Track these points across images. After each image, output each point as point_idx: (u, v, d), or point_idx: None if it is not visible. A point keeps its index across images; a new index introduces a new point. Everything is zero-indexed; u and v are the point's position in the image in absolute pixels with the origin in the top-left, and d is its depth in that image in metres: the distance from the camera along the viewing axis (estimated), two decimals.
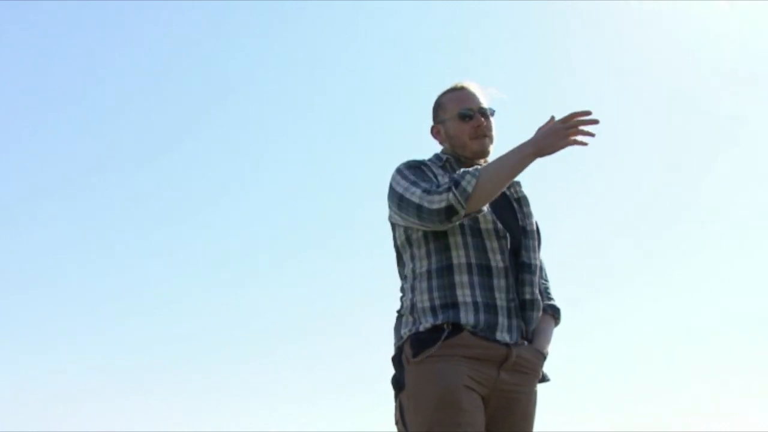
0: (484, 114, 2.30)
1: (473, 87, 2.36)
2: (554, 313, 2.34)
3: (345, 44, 9.41)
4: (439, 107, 2.38)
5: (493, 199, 2.10)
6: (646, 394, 7.95)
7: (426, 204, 2.06)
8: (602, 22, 8.88)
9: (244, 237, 9.45)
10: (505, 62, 8.65)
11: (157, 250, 9.29)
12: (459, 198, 2.04)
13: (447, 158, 2.32)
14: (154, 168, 9.43)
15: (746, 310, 8.25)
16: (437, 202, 2.05)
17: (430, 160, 2.31)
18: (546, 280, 2.40)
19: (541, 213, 2.37)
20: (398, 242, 2.27)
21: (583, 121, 2.03)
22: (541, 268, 2.36)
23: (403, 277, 2.28)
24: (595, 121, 2.03)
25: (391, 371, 2.18)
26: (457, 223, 2.11)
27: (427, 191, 2.08)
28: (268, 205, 9.60)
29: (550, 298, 2.37)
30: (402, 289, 2.26)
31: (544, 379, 2.27)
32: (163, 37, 9.16)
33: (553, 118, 2.07)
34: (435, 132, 2.39)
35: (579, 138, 2.04)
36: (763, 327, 8.04)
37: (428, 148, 2.41)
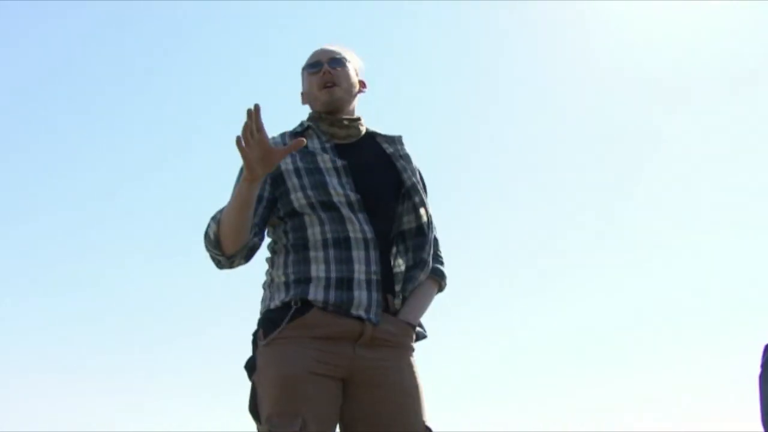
0: (335, 64, 2.20)
1: (329, 45, 2.26)
2: (437, 276, 2.19)
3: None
4: (301, 73, 2.29)
5: (243, 231, 1.98)
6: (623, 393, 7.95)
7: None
8: (529, 32, 8.89)
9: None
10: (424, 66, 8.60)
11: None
12: (211, 248, 2.03)
13: (308, 126, 2.20)
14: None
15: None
16: (209, 255, 2.08)
17: (289, 134, 2.20)
18: (436, 239, 2.25)
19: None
20: None
21: (245, 125, 1.87)
22: (427, 227, 2.16)
23: (267, 250, 2.19)
24: (248, 112, 1.84)
25: None
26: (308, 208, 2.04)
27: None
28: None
29: (438, 261, 2.22)
30: (266, 262, 2.18)
31: (420, 337, 2.13)
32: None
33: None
34: (302, 98, 2.29)
35: (243, 136, 1.86)
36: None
37: None
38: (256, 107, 1.81)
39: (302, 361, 1.92)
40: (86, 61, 9.18)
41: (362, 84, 2.29)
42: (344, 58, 2.22)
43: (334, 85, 2.17)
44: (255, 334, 2.04)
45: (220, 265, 2.06)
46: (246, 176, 1.89)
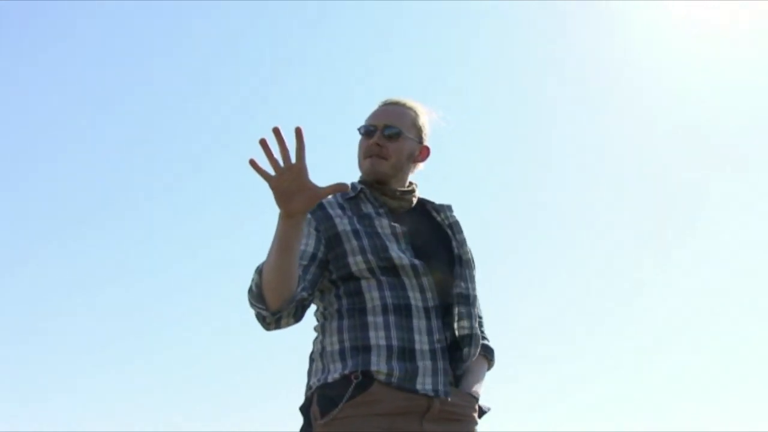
0: (389, 133, 2.06)
1: (397, 104, 2.13)
2: (487, 354, 2.11)
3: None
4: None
5: (287, 281, 1.77)
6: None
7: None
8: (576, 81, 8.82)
9: None
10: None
11: None
12: (255, 303, 1.81)
13: (362, 188, 2.09)
14: None
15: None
16: (254, 313, 1.87)
17: (343, 195, 2.09)
18: (480, 317, 2.15)
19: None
20: None
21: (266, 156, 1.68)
22: (467, 299, 2.06)
23: (315, 318, 2.07)
24: (275, 131, 1.65)
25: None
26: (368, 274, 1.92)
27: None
28: None
29: (485, 338, 2.13)
30: (315, 330, 2.05)
31: (482, 412, 2.03)
32: None
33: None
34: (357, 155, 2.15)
35: (266, 166, 1.68)
36: None
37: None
38: (299, 129, 1.64)
39: None
40: None
41: (424, 151, 2.15)
42: (402, 128, 2.07)
43: (378, 156, 2.05)
44: (306, 409, 1.91)
45: (265, 323, 1.85)
46: (282, 212, 1.70)
